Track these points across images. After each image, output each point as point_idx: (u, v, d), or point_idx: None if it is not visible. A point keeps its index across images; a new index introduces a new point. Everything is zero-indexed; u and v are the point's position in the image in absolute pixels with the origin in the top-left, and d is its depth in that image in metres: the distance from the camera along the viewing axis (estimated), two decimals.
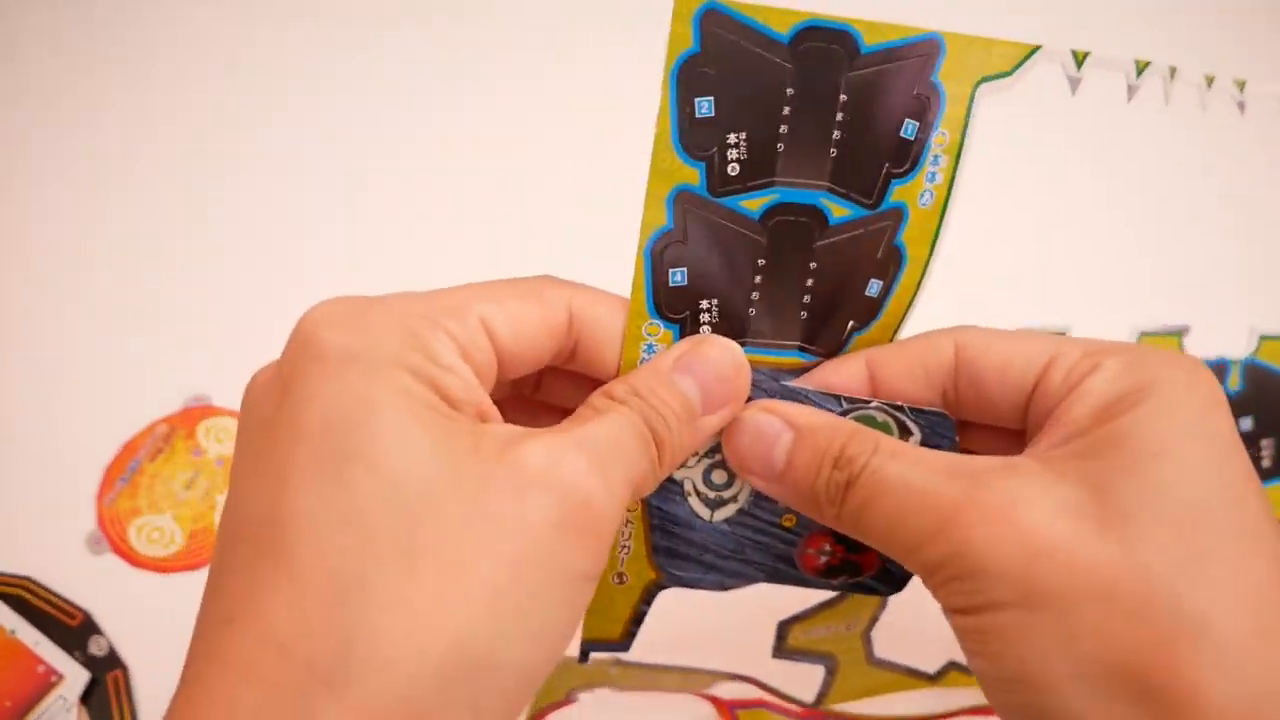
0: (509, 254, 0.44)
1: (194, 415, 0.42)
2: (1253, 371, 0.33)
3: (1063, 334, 0.28)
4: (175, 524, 0.40)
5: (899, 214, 0.22)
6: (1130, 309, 0.36)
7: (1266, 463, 0.34)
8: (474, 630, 0.18)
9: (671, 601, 0.26)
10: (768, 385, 0.23)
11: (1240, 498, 0.19)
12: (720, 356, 0.22)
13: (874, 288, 0.23)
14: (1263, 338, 0.33)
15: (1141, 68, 0.24)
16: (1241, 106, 0.28)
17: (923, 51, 0.21)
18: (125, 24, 0.52)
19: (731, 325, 0.23)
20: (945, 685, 0.34)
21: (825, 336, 0.23)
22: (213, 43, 0.52)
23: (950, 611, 0.21)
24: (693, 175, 0.21)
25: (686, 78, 0.20)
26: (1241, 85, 0.29)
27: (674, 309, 0.22)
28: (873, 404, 0.23)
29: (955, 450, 0.23)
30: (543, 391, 0.25)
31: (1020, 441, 0.23)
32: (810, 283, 0.23)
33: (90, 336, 0.42)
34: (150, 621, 0.38)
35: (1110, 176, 0.42)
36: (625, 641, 0.26)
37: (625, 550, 0.24)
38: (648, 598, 0.25)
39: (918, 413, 0.23)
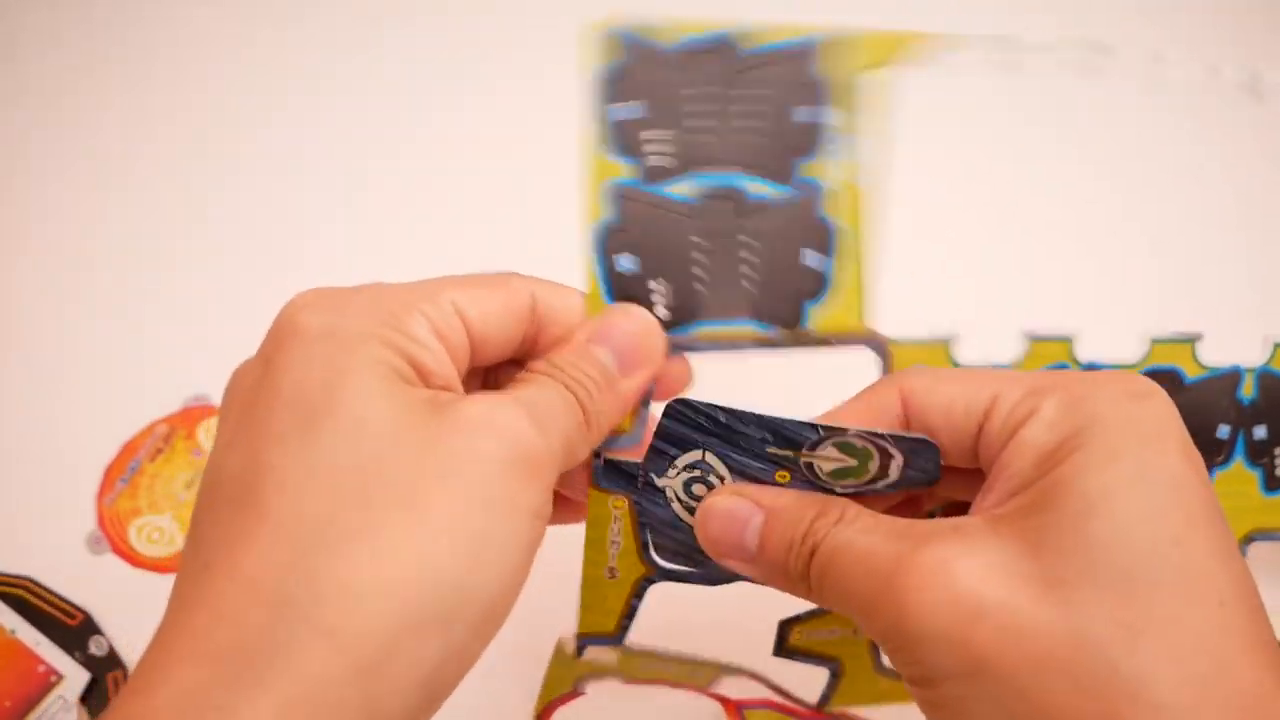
0: (507, 254, 0.44)
1: (194, 415, 0.42)
2: (1267, 380, 0.32)
3: (1008, 366, 0.28)
4: (175, 524, 0.40)
5: (812, 188, 0.25)
6: (1142, 316, 0.36)
7: None
8: (436, 562, 0.19)
9: (669, 599, 0.27)
10: (746, 423, 0.23)
11: (1179, 542, 0.19)
12: (629, 323, 0.24)
13: (812, 259, 0.25)
14: (1277, 345, 0.33)
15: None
16: (1259, 95, 0.28)
17: (794, 53, 0.25)
18: (125, 24, 0.53)
19: (684, 304, 0.25)
20: None
21: (777, 309, 0.25)
22: (213, 42, 0.52)
23: (908, 682, 0.21)
24: (623, 169, 0.24)
25: None
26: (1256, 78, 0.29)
27: (628, 294, 0.25)
28: (850, 432, 0.23)
29: (932, 480, 0.24)
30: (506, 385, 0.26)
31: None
32: (744, 254, 0.25)
33: (90, 336, 0.42)
34: (150, 621, 0.37)
35: (1123, 180, 0.42)
36: (618, 634, 0.27)
37: (615, 546, 0.26)
38: (639, 591, 0.26)
39: (898, 439, 0.23)
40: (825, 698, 0.31)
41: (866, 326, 0.26)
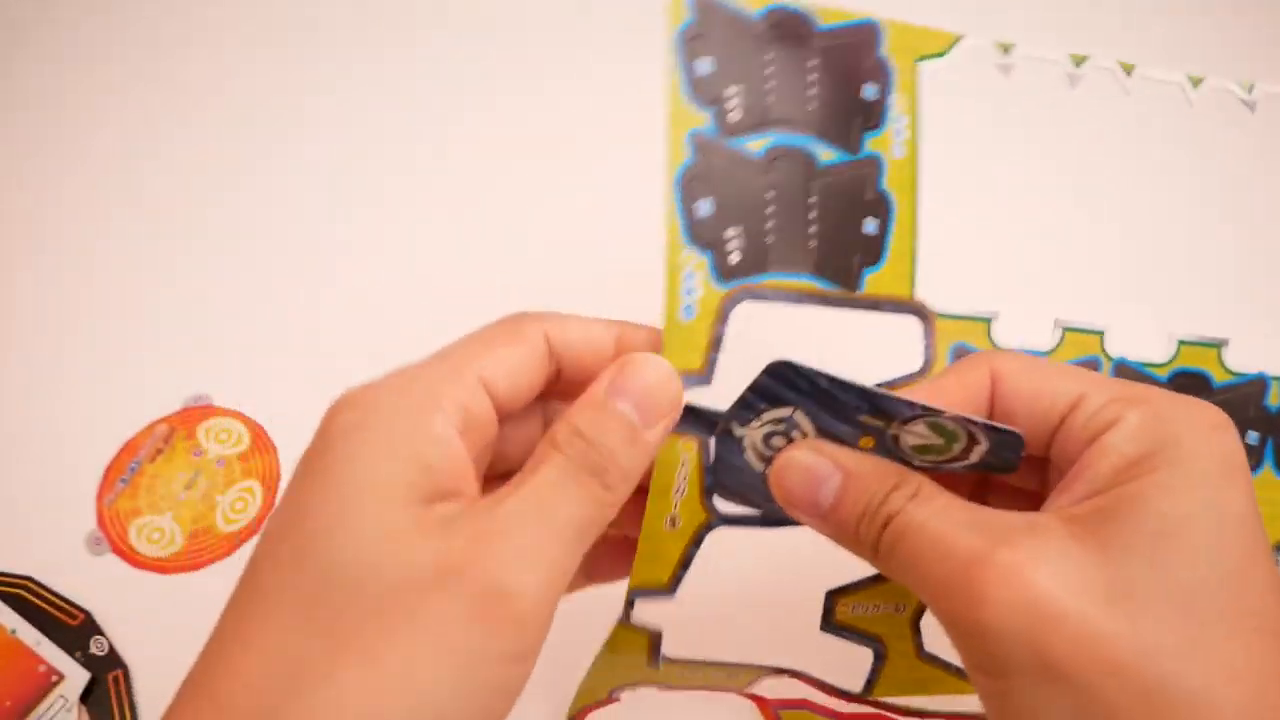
0: (506, 253, 0.44)
1: (194, 415, 0.42)
2: None
3: (1092, 364, 0.29)
4: (175, 524, 0.40)
5: (875, 162, 0.27)
6: (1170, 318, 0.36)
7: None
8: (390, 715, 0.20)
9: (718, 575, 0.28)
10: (847, 392, 0.24)
11: (1243, 575, 0.20)
12: (650, 374, 0.24)
13: (871, 226, 0.27)
14: None
15: (1079, 61, 0.29)
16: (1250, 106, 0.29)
17: (865, 33, 0.27)
18: (127, 24, 0.53)
19: (755, 253, 0.26)
20: None
21: (837, 268, 0.27)
22: (213, 42, 0.52)
23: (971, 669, 0.22)
24: (703, 119, 0.26)
25: None
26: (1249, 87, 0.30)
27: (705, 238, 0.26)
28: (947, 415, 0.24)
29: (1009, 469, 0.25)
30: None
31: (1046, 472, 0.25)
32: (813, 215, 0.27)
33: (90, 336, 0.42)
34: (150, 621, 0.38)
35: (1157, 183, 0.42)
36: (672, 587, 0.27)
37: (680, 493, 0.27)
38: (698, 539, 0.27)
39: (991, 429, 0.24)
40: (870, 683, 0.31)
41: (915, 296, 0.28)
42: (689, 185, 0.25)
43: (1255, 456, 0.31)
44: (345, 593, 0.20)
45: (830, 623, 0.31)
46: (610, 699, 0.31)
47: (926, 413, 0.24)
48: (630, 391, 0.24)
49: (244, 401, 0.43)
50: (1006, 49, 0.29)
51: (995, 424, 0.24)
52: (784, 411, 0.25)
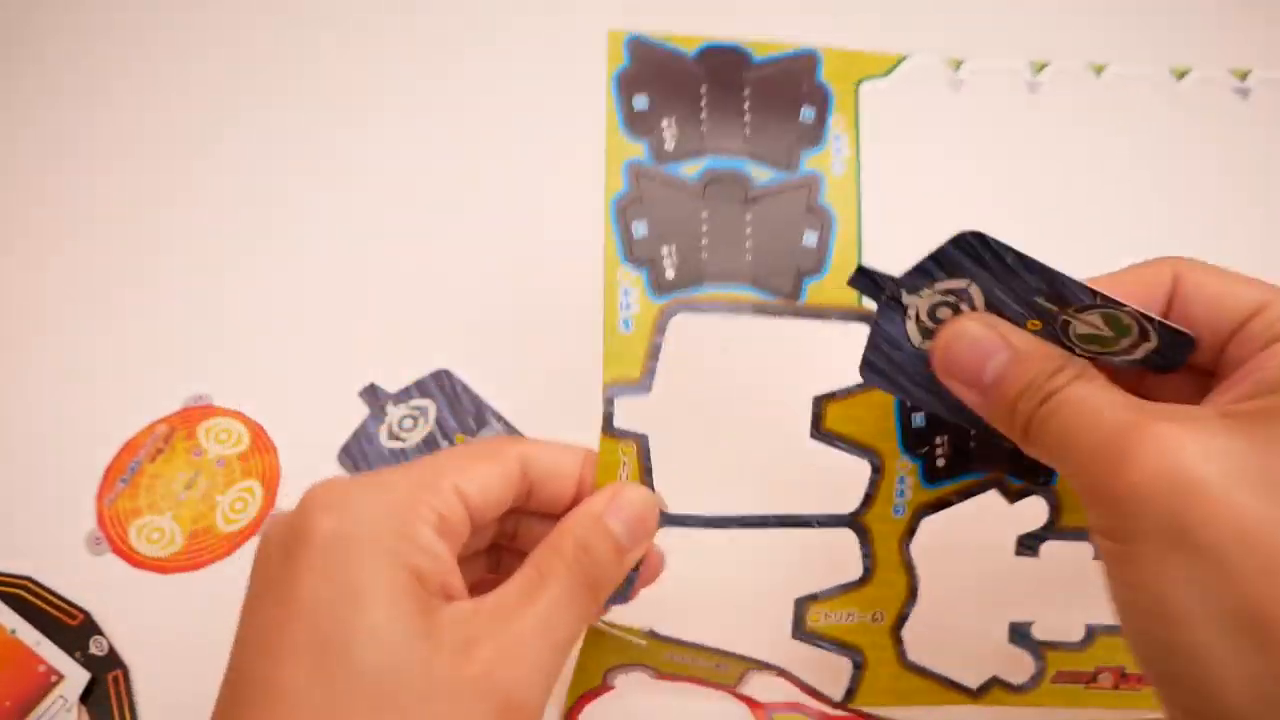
0: (505, 255, 0.44)
1: (194, 415, 0.42)
2: None
3: None
4: (175, 524, 0.40)
5: (815, 179, 0.29)
6: None
7: None
8: None
9: (688, 589, 0.29)
10: (1031, 271, 0.25)
11: None
12: (640, 499, 0.27)
13: (810, 238, 0.28)
14: None
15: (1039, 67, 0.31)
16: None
17: (803, 61, 0.29)
18: (127, 22, 0.53)
19: (690, 267, 0.28)
20: (988, 703, 0.33)
21: (775, 279, 0.28)
22: (214, 42, 0.52)
23: (1097, 532, 0.23)
24: (638, 149, 0.28)
25: None
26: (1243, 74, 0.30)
27: (641, 257, 0.28)
28: (1126, 308, 0.24)
29: (1172, 368, 0.26)
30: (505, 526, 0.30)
31: (1204, 392, 0.25)
32: (749, 231, 0.28)
33: (90, 337, 0.42)
34: (150, 621, 0.38)
35: (1120, 190, 0.42)
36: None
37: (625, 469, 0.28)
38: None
39: (1166, 327, 0.24)
40: (850, 692, 0.31)
41: (862, 304, 0.29)
42: (624, 210, 0.28)
43: None
44: (372, 701, 0.22)
45: (801, 630, 0.31)
46: (605, 686, 0.31)
47: (1106, 304, 0.24)
48: (622, 513, 0.27)
49: (244, 401, 0.43)
50: (957, 65, 0.32)
51: (1172, 324, 0.24)
52: (959, 283, 0.25)
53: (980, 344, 0.25)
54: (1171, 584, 0.20)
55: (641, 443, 0.28)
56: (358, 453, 0.41)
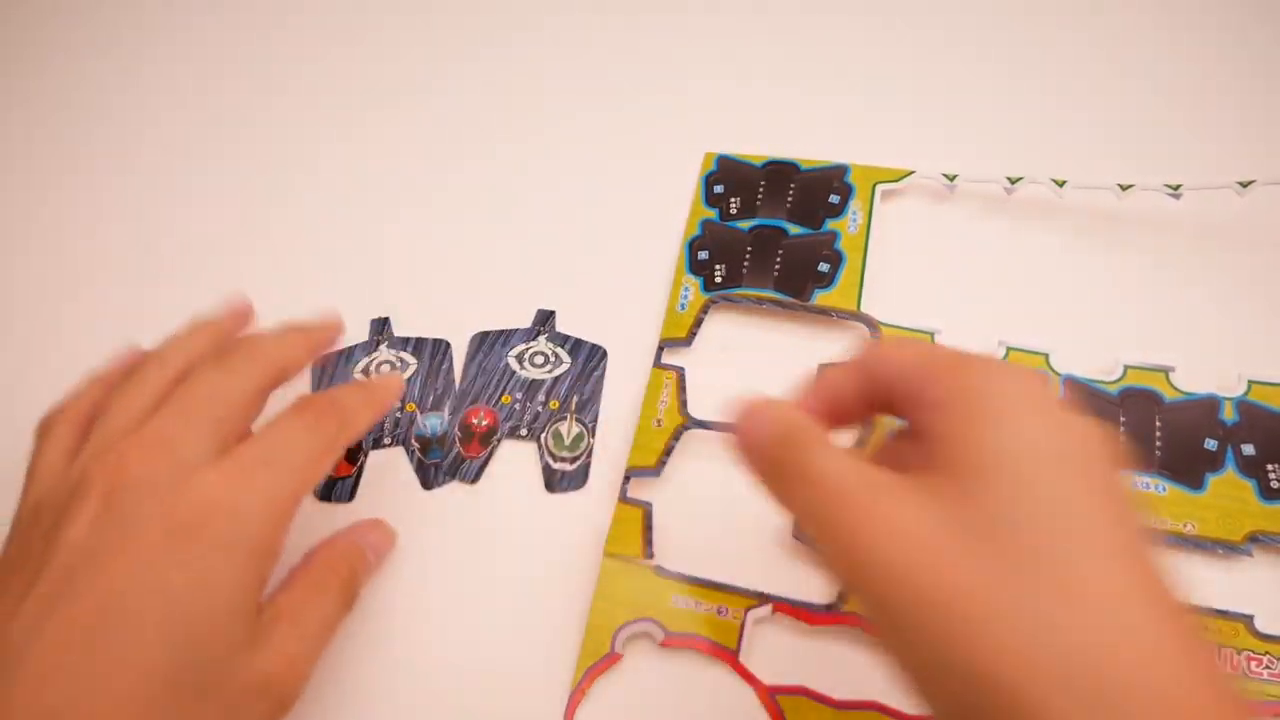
0: (503, 255, 0.45)
1: None
2: (1247, 407, 0.35)
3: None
4: None
5: (834, 234, 0.42)
6: (1119, 345, 0.38)
7: (1275, 484, 0.36)
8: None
9: (683, 515, 0.36)
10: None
11: (1079, 506, 0.21)
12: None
13: (824, 266, 0.40)
14: (1252, 383, 0.36)
15: (1060, 183, 0.39)
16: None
17: (836, 171, 0.44)
18: (127, 22, 0.53)
19: (732, 276, 0.41)
20: None
21: (793, 287, 0.40)
22: (214, 42, 0.53)
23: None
24: (712, 213, 0.43)
25: None
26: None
27: (699, 270, 0.41)
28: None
29: None
30: None
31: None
32: (779, 257, 0.41)
33: (90, 336, 0.42)
34: None
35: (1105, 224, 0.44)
36: (658, 468, 0.37)
37: (664, 404, 0.38)
38: (677, 435, 0.37)
39: None
40: (844, 594, 0.33)
41: (859, 307, 0.40)
42: (694, 245, 0.42)
43: (1219, 460, 0.33)
44: None
45: (802, 530, 0.34)
46: (613, 654, 0.33)
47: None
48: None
49: None
50: (951, 178, 0.41)
51: None
52: None
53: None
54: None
55: (680, 373, 0.38)
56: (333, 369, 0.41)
